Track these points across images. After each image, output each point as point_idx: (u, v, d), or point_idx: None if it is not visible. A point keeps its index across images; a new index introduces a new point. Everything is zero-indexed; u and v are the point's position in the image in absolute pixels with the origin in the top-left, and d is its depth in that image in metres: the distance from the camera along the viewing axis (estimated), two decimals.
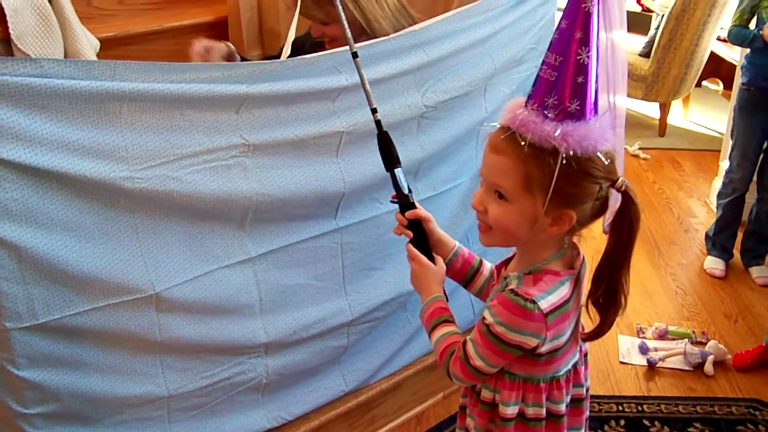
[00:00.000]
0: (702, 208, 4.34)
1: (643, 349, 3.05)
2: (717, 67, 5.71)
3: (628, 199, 1.39)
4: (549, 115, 1.35)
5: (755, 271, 3.66)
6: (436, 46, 2.10)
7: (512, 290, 1.40)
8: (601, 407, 2.73)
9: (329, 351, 2.20)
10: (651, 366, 2.98)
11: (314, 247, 2.05)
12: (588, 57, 1.32)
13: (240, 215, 1.86)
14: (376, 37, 2.13)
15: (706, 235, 3.81)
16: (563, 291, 1.42)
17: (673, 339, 3.14)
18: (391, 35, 2.04)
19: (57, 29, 1.84)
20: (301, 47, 2.37)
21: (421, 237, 1.63)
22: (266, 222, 1.92)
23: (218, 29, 2.86)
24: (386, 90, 2.02)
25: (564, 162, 1.32)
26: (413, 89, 2.08)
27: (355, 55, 1.68)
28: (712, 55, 5.34)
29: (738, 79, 3.73)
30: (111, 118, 1.58)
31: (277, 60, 1.86)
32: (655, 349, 3.05)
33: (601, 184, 1.38)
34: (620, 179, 1.39)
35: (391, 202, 1.65)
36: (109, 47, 2.60)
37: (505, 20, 2.28)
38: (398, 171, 1.65)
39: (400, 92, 2.06)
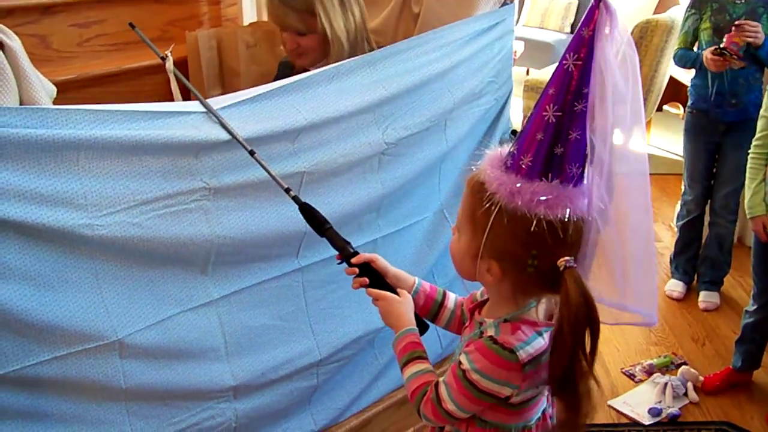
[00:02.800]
0: (667, 232, 4.39)
1: (656, 412, 2.94)
2: (677, 91, 5.80)
3: (565, 286, 1.29)
4: (507, 162, 1.34)
5: (702, 296, 3.72)
6: (395, 81, 2.11)
7: (491, 338, 1.38)
8: None
9: (299, 392, 2.17)
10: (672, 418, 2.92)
11: (277, 287, 2.03)
12: (554, 115, 1.27)
13: (201, 258, 1.85)
14: (332, 56, 2.15)
15: (670, 258, 3.85)
16: (541, 342, 1.38)
17: (660, 371, 3.14)
18: (351, 65, 2.04)
19: (11, 78, 1.82)
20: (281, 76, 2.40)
21: (377, 277, 1.62)
22: (228, 264, 1.91)
23: (178, 69, 2.85)
24: (346, 128, 2.02)
25: (496, 211, 1.30)
26: (373, 126, 2.08)
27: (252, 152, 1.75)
28: (672, 79, 5.42)
29: None
30: (68, 165, 1.57)
31: (236, 100, 1.86)
32: (659, 402, 2.99)
33: (532, 252, 1.32)
34: (564, 259, 1.29)
35: (338, 263, 1.66)
36: (69, 89, 2.58)
37: (463, 54, 2.30)
38: (330, 232, 1.68)
39: (360, 130, 2.06)
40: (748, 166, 2.77)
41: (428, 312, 1.67)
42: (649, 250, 1.40)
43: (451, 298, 1.68)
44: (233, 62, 2.92)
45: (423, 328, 1.61)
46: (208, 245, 1.83)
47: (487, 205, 1.31)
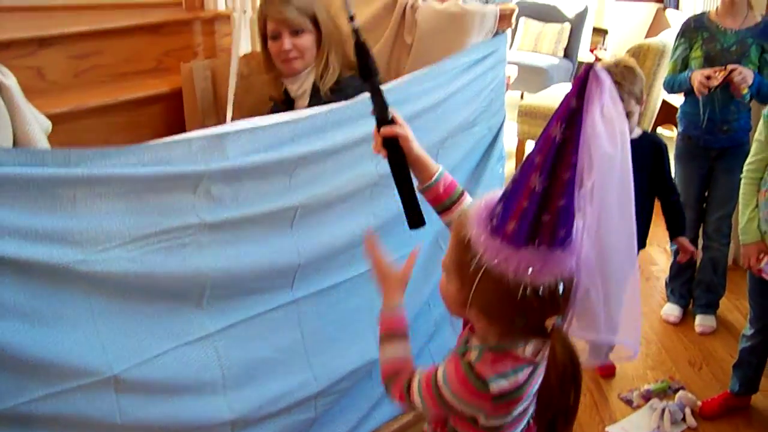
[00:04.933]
0: (662, 256, 4.38)
1: None
2: (670, 114, 5.80)
3: (552, 346, 1.31)
4: (493, 223, 1.30)
5: (698, 319, 3.71)
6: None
7: (469, 363, 1.38)
8: None
9: (297, 424, 2.16)
10: None
11: (273, 319, 2.03)
12: (541, 185, 1.22)
13: (196, 292, 1.85)
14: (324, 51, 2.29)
15: (665, 282, 3.85)
16: (519, 377, 1.37)
17: (657, 397, 3.13)
18: (346, 102, 2.05)
19: (5, 114, 1.83)
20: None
21: (398, 157, 1.61)
22: (223, 297, 1.91)
23: (173, 100, 2.87)
24: (341, 161, 2.03)
25: (482, 272, 1.28)
26: (368, 159, 2.08)
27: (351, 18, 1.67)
28: (665, 102, 5.45)
29: None
30: (64, 203, 1.58)
31: (233, 132, 1.87)
32: (658, 428, 2.96)
33: (520, 312, 1.30)
34: (550, 320, 1.31)
35: (372, 115, 1.64)
36: (64, 121, 2.59)
37: (457, 84, 2.32)
38: (375, 83, 1.63)
39: (355, 163, 2.07)
40: (741, 191, 2.78)
41: (440, 203, 1.67)
42: (634, 288, 1.39)
43: (467, 200, 1.67)
44: (228, 92, 2.93)
45: (418, 223, 1.66)
46: (203, 279, 1.83)
47: (474, 265, 1.29)
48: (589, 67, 1.17)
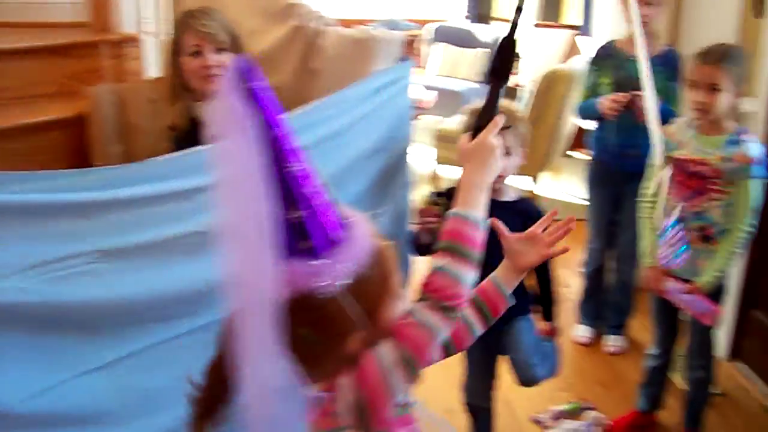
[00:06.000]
0: (575, 278, 4.46)
1: None
2: (583, 137, 5.95)
3: None
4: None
5: (609, 339, 3.79)
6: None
7: None
8: None
9: None
10: None
11: (174, 348, 1.99)
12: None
13: (94, 321, 1.81)
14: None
15: (577, 303, 3.92)
16: None
17: (568, 417, 3.17)
18: None
19: None
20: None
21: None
22: (122, 325, 1.87)
23: (77, 126, 2.80)
24: None
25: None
26: None
27: None
28: (580, 128, 5.57)
29: None
30: None
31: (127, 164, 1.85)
32: None
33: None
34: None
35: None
36: None
37: (362, 110, 2.33)
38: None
39: None
40: (639, 215, 2.86)
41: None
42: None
43: None
44: (135, 117, 2.88)
45: None
46: (100, 308, 1.80)
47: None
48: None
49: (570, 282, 4.37)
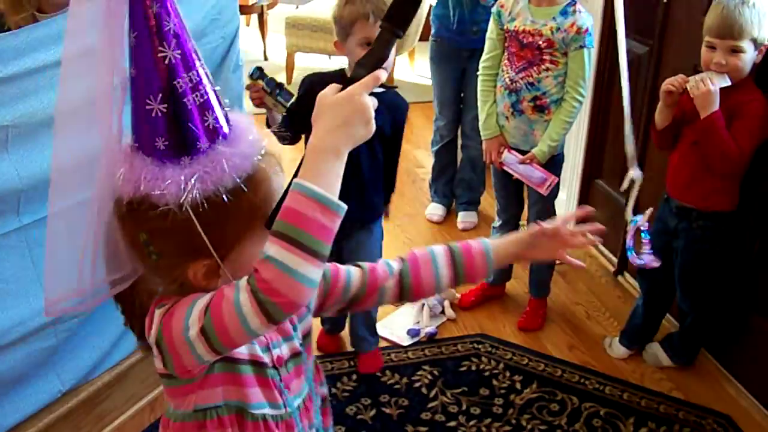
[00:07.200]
0: (429, 158, 4.51)
1: (414, 332, 3.02)
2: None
3: None
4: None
5: (460, 216, 3.89)
6: None
7: None
8: (333, 365, 2.79)
9: (37, 354, 2.09)
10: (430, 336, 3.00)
11: None
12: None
13: None
14: None
15: (429, 182, 3.98)
16: None
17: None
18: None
19: None
20: None
21: None
22: None
23: None
24: (20, 89, 1.87)
25: None
26: (48, 89, 1.88)
27: None
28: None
29: None
30: None
31: None
32: (417, 323, 3.08)
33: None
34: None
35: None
36: None
37: None
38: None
39: (34, 92, 1.89)
40: (479, 89, 2.90)
41: None
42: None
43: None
44: None
45: None
46: None
47: None
48: None
49: (423, 162, 4.43)
